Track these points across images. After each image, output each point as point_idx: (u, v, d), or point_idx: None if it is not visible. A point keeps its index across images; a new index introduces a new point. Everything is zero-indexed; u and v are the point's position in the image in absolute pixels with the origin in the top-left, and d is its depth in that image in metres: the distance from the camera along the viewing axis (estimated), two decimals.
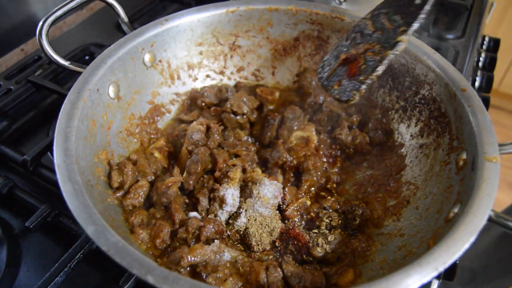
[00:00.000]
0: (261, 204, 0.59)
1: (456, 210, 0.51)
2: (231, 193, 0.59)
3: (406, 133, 0.71)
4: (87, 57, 0.94)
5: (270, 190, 0.60)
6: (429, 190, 0.62)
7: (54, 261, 0.56)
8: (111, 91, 0.65)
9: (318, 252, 0.59)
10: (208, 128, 0.69)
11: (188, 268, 0.52)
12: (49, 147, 0.71)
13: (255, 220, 0.58)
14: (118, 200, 0.59)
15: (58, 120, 0.54)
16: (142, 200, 0.60)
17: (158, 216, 0.58)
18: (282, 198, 0.64)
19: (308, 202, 0.65)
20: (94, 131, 0.60)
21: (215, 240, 0.55)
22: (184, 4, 0.75)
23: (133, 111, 0.70)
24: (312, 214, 0.64)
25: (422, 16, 0.58)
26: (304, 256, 0.59)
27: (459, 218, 0.47)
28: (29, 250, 0.62)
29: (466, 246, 0.44)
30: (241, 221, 0.59)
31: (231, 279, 0.51)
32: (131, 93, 0.69)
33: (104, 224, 0.45)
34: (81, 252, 0.57)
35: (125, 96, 0.68)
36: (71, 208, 0.45)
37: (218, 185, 0.61)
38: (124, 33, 0.70)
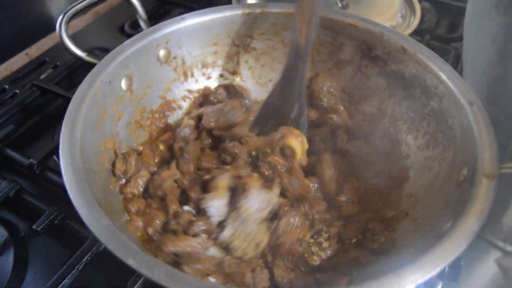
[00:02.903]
0: (246, 218, 0.57)
1: (448, 224, 0.51)
2: (216, 206, 0.58)
3: (413, 144, 0.70)
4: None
5: (256, 202, 0.57)
6: (429, 204, 0.61)
7: (61, 264, 0.58)
8: (124, 83, 0.67)
9: (315, 260, 0.58)
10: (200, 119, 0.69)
11: (174, 258, 0.53)
12: (55, 151, 0.72)
13: (241, 232, 0.57)
14: (119, 187, 0.61)
15: (68, 108, 0.57)
16: (141, 189, 0.62)
17: (154, 206, 0.59)
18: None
19: (307, 237, 0.60)
20: (104, 121, 0.62)
21: (203, 235, 0.56)
22: (187, 8, 0.77)
23: (145, 104, 0.73)
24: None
25: None
26: (303, 269, 0.57)
27: (448, 232, 0.47)
28: (36, 253, 0.63)
29: (449, 261, 0.43)
30: (225, 235, 0.57)
31: (214, 276, 0.52)
32: (144, 87, 0.72)
33: (98, 208, 0.47)
34: (89, 254, 0.59)
35: (137, 90, 0.71)
36: (70, 192, 0.48)
37: (204, 194, 0.60)
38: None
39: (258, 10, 0.78)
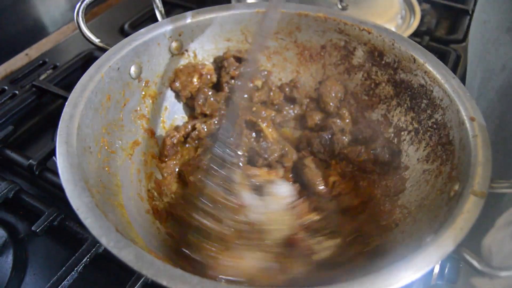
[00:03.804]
0: (274, 203, 0.61)
1: (429, 238, 0.49)
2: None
3: (414, 156, 0.69)
4: (91, 62, 0.94)
5: (284, 190, 0.63)
6: (419, 217, 0.60)
7: (61, 265, 0.58)
8: (133, 71, 0.70)
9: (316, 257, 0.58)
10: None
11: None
12: (55, 152, 0.70)
13: (267, 215, 0.59)
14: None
15: (73, 90, 0.60)
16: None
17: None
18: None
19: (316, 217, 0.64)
20: (108, 105, 0.65)
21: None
22: (186, 9, 0.77)
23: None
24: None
25: None
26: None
27: (424, 247, 0.46)
28: (35, 254, 0.64)
29: (414, 277, 0.42)
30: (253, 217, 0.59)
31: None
32: (153, 76, 0.74)
33: (84, 185, 0.49)
34: (88, 255, 0.60)
35: (146, 78, 0.73)
36: (59, 167, 0.50)
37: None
38: None
39: None
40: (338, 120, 0.75)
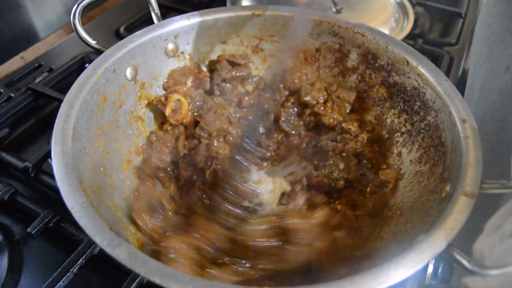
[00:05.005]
0: None
1: (420, 238, 0.50)
2: None
3: (407, 157, 0.69)
4: (87, 65, 0.94)
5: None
6: (411, 217, 0.60)
7: (56, 267, 0.58)
8: (129, 73, 0.70)
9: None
10: None
11: None
12: (50, 154, 0.65)
13: None
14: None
15: (69, 91, 0.60)
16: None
17: None
18: None
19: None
20: (104, 107, 0.66)
21: None
22: (182, 13, 0.77)
23: (147, 95, 0.75)
24: None
25: None
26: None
27: (415, 245, 0.46)
28: (30, 256, 0.64)
29: (405, 275, 0.43)
30: None
31: None
32: (149, 78, 0.75)
33: (79, 185, 0.50)
34: (83, 257, 0.60)
35: (142, 80, 0.73)
36: (55, 168, 0.51)
37: None
38: None
39: (268, 13, 0.79)
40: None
